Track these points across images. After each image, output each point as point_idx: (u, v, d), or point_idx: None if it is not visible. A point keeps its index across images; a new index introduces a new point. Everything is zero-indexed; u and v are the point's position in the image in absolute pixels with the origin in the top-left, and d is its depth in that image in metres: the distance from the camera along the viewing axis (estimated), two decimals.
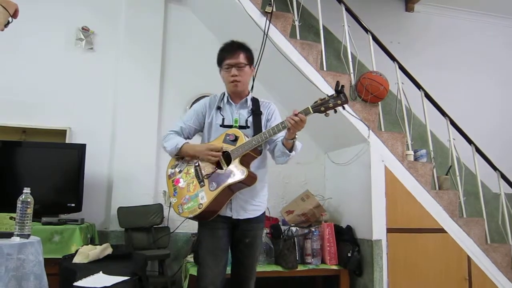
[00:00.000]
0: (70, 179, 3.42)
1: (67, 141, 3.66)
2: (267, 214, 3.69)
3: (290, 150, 2.16)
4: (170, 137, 2.32)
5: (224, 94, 2.37)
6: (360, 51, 3.82)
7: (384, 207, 3.34)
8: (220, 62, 2.33)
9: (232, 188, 2.15)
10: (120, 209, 3.53)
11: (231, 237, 2.25)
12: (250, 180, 2.14)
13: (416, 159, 3.66)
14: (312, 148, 4.20)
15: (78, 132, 3.72)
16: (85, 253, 2.56)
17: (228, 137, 2.19)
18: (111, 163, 3.75)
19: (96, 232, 3.46)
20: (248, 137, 2.18)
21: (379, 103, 3.65)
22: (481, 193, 3.78)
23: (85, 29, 3.89)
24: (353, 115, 3.43)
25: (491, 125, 4.96)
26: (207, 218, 2.18)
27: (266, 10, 3.41)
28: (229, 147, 2.16)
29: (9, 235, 2.10)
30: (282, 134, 2.17)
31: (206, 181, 2.17)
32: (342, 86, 2.07)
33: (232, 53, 2.28)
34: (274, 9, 3.44)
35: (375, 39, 3.81)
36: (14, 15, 1.63)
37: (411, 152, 3.63)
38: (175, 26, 4.10)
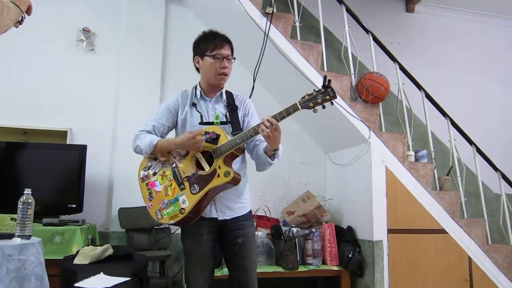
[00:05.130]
0: (71, 180, 3.42)
1: (68, 142, 3.66)
2: (267, 215, 3.71)
3: (272, 158, 2.03)
4: (142, 136, 2.11)
5: (196, 88, 2.20)
6: (360, 51, 3.82)
7: (385, 207, 3.34)
8: (204, 50, 2.13)
9: (217, 190, 2.01)
10: (121, 210, 3.53)
11: (217, 241, 2.12)
12: (235, 180, 2.01)
13: (417, 159, 3.66)
14: (313, 149, 4.20)
15: (79, 133, 3.73)
16: (86, 254, 2.56)
17: (207, 136, 2.01)
18: (112, 164, 3.76)
19: (97, 233, 3.46)
20: (228, 135, 2.04)
21: (380, 103, 3.65)
22: (482, 193, 3.78)
23: (86, 30, 3.90)
24: (353, 116, 3.43)
25: (492, 126, 4.97)
26: (189, 222, 2.03)
27: (266, 11, 3.41)
28: (210, 146, 2.01)
29: (10, 236, 2.11)
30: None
31: (186, 183, 2.01)
32: (329, 80, 1.94)
33: (224, 44, 2.12)
34: (274, 10, 3.44)
35: (375, 39, 3.81)
36: (28, 11, 1.61)
37: (411, 152, 3.63)
38: (176, 26, 4.11)
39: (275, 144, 1.98)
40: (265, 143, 2.04)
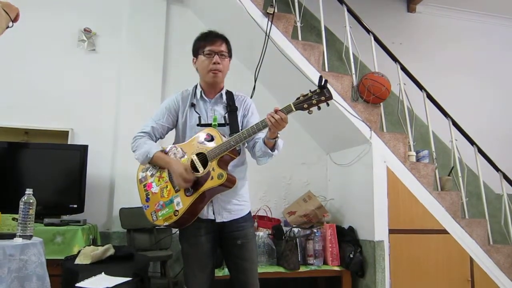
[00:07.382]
0: (73, 180, 3.42)
1: (69, 142, 3.67)
2: (268, 215, 3.71)
3: (272, 150, 1.99)
4: (140, 142, 2.11)
5: (196, 88, 2.18)
6: (361, 52, 3.81)
7: (386, 208, 3.34)
8: (198, 49, 2.12)
9: (211, 192, 1.99)
10: (122, 210, 3.53)
11: (216, 241, 2.10)
12: (229, 183, 1.98)
13: (418, 160, 3.65)
14: (314, 149, 4.20)
15: (80, 133, 3.73)
16: (87, 254, 2.56)
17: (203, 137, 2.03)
18: (113, 164, 3.76)
19: (98, 233, 3.46)
20: (225, 136, 2.01)
21: (381, 103, 3.65)
22: (483, 194, 3.77)
23: (87, 31, 3.90)
24: (355, 116, 3.42)
25: (493, 126, 4.96)
26: (185, 224, 2.02)
27: (267, 11, 3.41)
28: (205, 148, 2.00)
29: (11, 236, 2.11)
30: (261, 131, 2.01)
31: None
32: (326, 81, 1.89)
33: (215, 40, 2.10)
34: (275, 10, 3.44)
35: (376, 39, 3.81)
36: (15, 19, 1.62)
37: (413, 153, 3.63)
38: (177, 27, 4.11)
39: (276, 132, 1.94)
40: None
